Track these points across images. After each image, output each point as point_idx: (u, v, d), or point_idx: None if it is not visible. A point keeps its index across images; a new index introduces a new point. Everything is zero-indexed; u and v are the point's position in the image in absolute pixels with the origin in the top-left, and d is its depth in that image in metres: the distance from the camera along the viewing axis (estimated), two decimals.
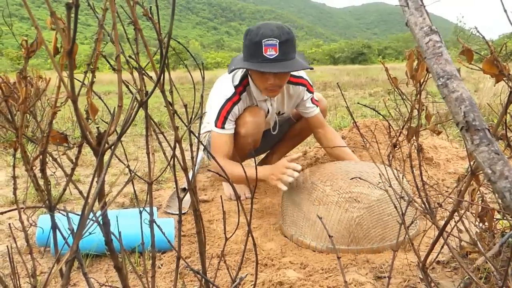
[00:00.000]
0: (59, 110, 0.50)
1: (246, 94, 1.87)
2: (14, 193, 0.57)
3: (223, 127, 1.83)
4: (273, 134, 2.27)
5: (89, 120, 0.49)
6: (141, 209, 0.72)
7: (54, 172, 0.54)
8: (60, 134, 0.53)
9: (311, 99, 2.03)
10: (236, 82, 1.86)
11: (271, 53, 1.63)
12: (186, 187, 2.16)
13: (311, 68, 1.80)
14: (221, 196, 0.95)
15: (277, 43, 1.63)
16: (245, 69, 1.85)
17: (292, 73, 1.89)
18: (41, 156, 0.51)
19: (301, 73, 1.98)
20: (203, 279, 0.67)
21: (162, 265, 1.40)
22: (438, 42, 0.46)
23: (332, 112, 5.20)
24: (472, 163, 0.74)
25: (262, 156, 2.48)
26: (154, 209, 1.80)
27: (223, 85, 1.89)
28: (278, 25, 1.69)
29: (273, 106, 1.97)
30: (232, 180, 1.79)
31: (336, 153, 2.02)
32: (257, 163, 2.43)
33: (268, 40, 1.62)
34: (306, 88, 1.99)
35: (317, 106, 2.06)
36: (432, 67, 0.46)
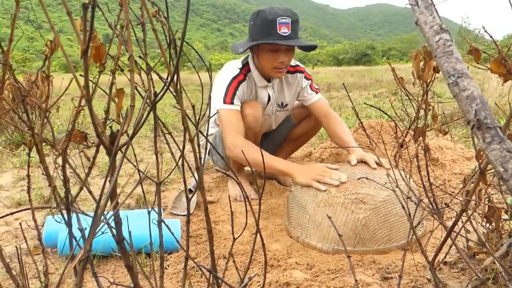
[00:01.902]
0: (82, 109, 0.51)
1: (248, 77, 1.93)
2: (28, 192, 0.58)
3: (232, 102, 1.85)
4: (275, 134, 2.27)
5: (109, 120, 0.49)
6: (149, 209, 0.73)
7: (71, 171, 0.55)
8: (81, 133, 0.53)
9: (310, 85, 2.07)
10: (240, 65, 1.94)
11: (284, 30, 1.73)
12: (192, 188, 2.15)
13: (316, 46, 1.91)
14: (228, 196, 0.95)
15: (290, 22, 1.73)
16: (246, 56, 1.94)
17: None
18: (62, 155, 0.52)
19: (297, 63, 2.07)
20: (212, 278, 0.67)
21: (168, 266, 1.40)
22: (448, 40, 0.46)
23: (336, 113, 5.19)
24: (480, 162, 0.74)
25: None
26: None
27: (227, 69, 1.96)
28: (286, 7, 1.81)
29: (273, 93, 2.01)
30: (250, 161, 1.80)
31: (338, 143, 2.01)
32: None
33: (282, 18, 1.72)
34: (303, 75, 2.05)
35: (317, 93, 2.09)
36: (442, 66, 0.46)
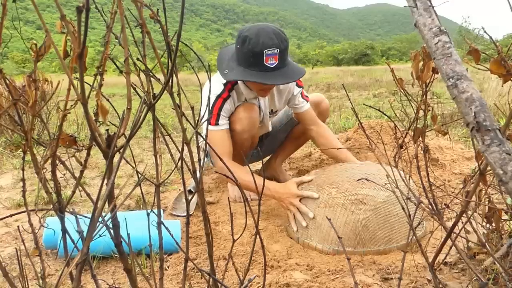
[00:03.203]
0: (69, 113, 0.51)
1: (235, 91, 1.88)
2: (23, 196, 0.58)
3: (217, 123, 1.83)
4: (276, 133, 2.26)
5: (99, 122, 0.49)
6: (149, 211, 0.72)
7: (64, 174, 0.55)
8: (70, 137, 0.53)
9: (301, 94, 2.03)
10: (224, 80, 1.84)
11: (271, 62, 1.64)
12: (192, 189, 2.14)
13: (304, 73, 1.81)
14: (228, 198, 0.95)
15: (277, 52, 1.63)
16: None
17: None
18: (51, 159, 0.51)
19: None
20: (211, 280, 0.67)
21: (168, 267, 1.40)
22: (447, 42, 0.46)
23: (336, 113, 5.19)
24: (480, 163, 0.73)
25: (261, 157, 2.48)
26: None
27: (212, 84, 1.89)
28: (275, 31, 1.67)
29: (264, 103, 1.99)
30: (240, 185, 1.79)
31: (332, 153, 2.01)
32: (262, 165, 2.43)
33: (270, 50, 1.62)
34: (295, 83, 2.00)
35: (307, 101, 2.05)
36: (441, 68, 0.46)
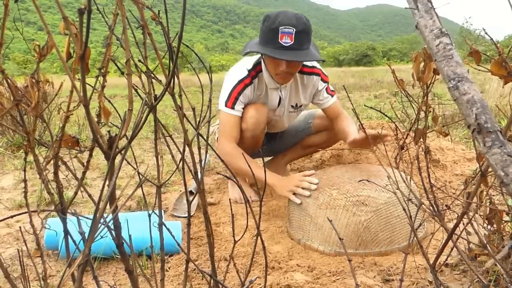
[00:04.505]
0: (71, 114, 0.51)
1: (258, 80, 1.90)
2: (25, 197, 0.58)
3: (233, 107, 1.85)
4: (290, 136, 2.22)
5: (101, 124, 0.49)
6: (150, 212, 0.73)
7: (66, 176, 0.55)
8: (72, 138, 0.53)
9: (326, 88, 2.02)
10: (250, 67, 1.89)
11: (286, 40, 1.66)
12: (193, 190, 2.14)
13: (323, 60, 1.84)
14: (229, 199, 0.95)
15: (294, 32, 1.66)
16: (259, 55, 1.89)
17: (305, 63, 1.93)
18: (53, 160, 0.51)
19: (314, 63, 2.00)
20: (212, 281, 0.67)
21: (169, 268, 1.40)
22: (448, 44, 0.46)
23: None
24: (481, 164, 0.73)
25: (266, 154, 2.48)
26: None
27: (237, 68, 1.93)
28: (297, 14, 1.72)
29: (285, 95, 1.97)
30: (234, 170, 1.79)
31: (342, 137, 2.00)
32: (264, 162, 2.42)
33: (285, 28, 1.65)
34: (320, 78, 1.99)
35: (332, 96, 2.04)
36: (442, 70, 0.46)
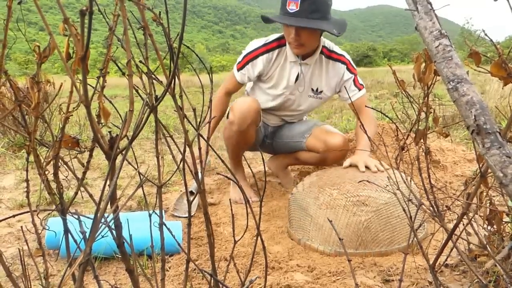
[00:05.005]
0: (71, 115, 0.51)
1: (279, 52, 1.94)
2: (27, 196, 0.58)
3: (239, 70, 1.97)
4: (286, 145, 2.18)
5: (101, 124, 0.49)
6: (151, 212, 0.73)
7: (66, 176, 0.55)
8: (72, 139, 0.53)
9: (354, 80, 1.96)
10: (275, 37, 1.96)
11: (292, 7, 1.73)
12: (193, 190, 2.14)
13: (338, 35, 1.75)
14: (229, 199, 0.95)
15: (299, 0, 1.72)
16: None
17: (334, 49, 1.95)
18: (53, 161, 0.52)
19: (344, 53, 1.99)
20: (213, 281, 0.67)
21: (170, 268, 1.40)
22: (448, 46, 0.46)
23: (338, 114, 5.19)
24: (481, 165, 0.74)
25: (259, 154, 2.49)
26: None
27: (261, 38, 2.00)
28: None
29: (305, 72, 1.94)
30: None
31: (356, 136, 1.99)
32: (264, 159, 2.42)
33: None
34: (346, 67, 1.96)
35: (360, 89, 1.97)
36: (442, 71, 0.46)
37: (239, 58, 1.97)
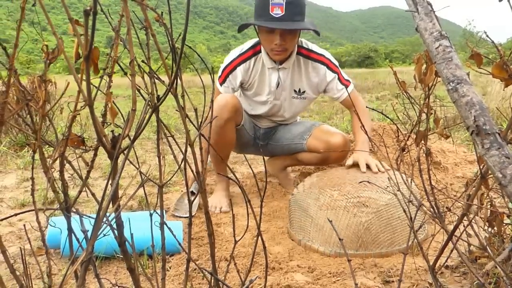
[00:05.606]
0: (78, 114, 0.51)
1: (256, 59, 1.92)
2: (32, 194, 0.59)
3: (221, 84, 1.95)
4: (283, 147, 2.15)
5: (106, 123, 0.50)
6: (151, 211, 0.73)
7: (72, 175, 0.55)
8: (78, 137, 0.54)
9: (339, 78, 1.94)
10: (249, 45, 1.93)
11: (277, 12, 1.69)
12: (194, 190, 2.14)
13: (317, 33, 1.80)
14: (230, 199, 0.95)
15: (284, 3, 1.68)
16: (257, 38, 1.91)
17: (313, 48, 1.92)
18: (60, 159, 0.52)
19: (324, 52, 1.96)
20: (213, 280, 0.68)
21: (170, 268, 1.41)
22: (448, 47, 0.47)
23: (339, 115, 5.19)
24: (482, 167, 0.74)
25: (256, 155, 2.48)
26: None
27: (244, 44, 1.98)
28: None
29: (285, 77, 1.93)
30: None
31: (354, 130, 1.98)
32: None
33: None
34: (327, 67, 1.92)
35: (347, 86, 1.95)
36: (442, 72, 0.46)
37: (219, 73, 1.95)
